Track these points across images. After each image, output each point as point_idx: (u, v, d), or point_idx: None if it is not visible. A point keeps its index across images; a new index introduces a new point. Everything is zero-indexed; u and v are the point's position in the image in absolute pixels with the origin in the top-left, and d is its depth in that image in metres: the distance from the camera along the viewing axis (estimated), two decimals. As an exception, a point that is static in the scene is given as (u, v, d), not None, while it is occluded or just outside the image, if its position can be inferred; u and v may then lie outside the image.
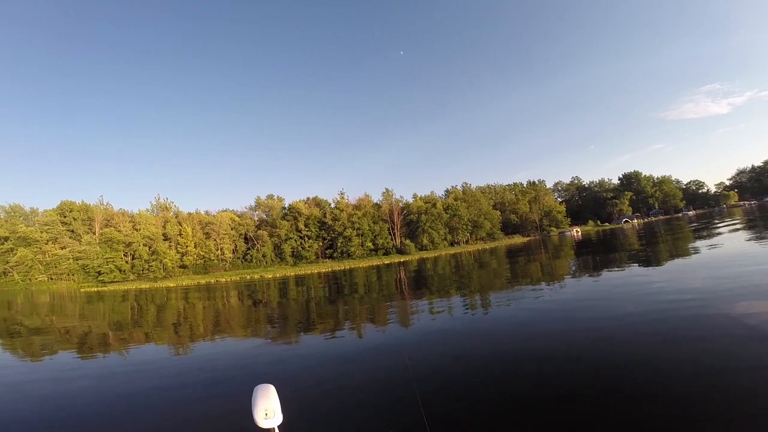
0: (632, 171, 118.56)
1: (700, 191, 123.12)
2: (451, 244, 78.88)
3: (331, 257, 72.14)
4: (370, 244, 72.74)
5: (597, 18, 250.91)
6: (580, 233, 78.52)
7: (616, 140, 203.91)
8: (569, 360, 6.38)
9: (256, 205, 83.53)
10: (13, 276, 62.85)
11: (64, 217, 67.53)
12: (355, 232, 71.60)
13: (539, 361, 6.50)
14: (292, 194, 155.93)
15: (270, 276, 50.42)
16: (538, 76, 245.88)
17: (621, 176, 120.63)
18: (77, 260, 61.46)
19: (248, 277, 52.17)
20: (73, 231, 65.68)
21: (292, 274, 50.17)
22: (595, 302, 10.70)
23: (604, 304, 10.33)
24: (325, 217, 75.30)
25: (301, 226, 73.48)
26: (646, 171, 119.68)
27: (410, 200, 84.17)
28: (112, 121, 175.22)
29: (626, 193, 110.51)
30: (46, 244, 62.87)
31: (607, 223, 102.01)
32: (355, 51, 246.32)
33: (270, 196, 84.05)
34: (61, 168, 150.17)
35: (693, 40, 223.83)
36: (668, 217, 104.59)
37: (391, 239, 75.89)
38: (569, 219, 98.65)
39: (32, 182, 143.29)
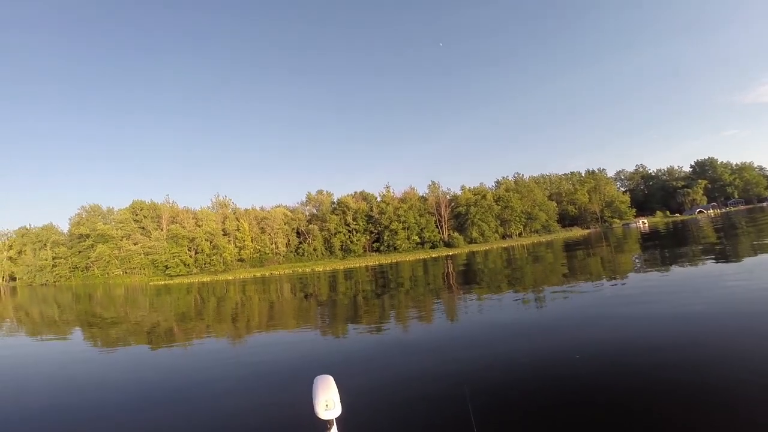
0: (706, 158, 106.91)
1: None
2: (503, 237, 76.26)
3: (377, 251, 72.73)
4: (416, 238, 72.32)
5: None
6: (647, 224, 72.51)
7: (683, 126, 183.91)
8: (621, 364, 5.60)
9: (306, 201, 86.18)
10: (93, 270, 70.01)
11: (136, 215, 73.86)
12: (401, 225, 71.49)
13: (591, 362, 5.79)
14: (341, 189, 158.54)
15: (320, 269, 51.74)
16: (596, 56, 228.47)
17: (693, 163, 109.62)
18: (147, 255, 67.01)
19: (300, 270, 53.92)
20: (143, 228, 71.75)
21: (341, 267, 51.12)
22: (668, 303, 9.52)
23: (680, 305, 9.14)
24: (371, 210, 75.94)
25: (350, 219, 74.67)
26: (720, 158, 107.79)
27: (458, 192, 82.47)
28: (174, 124, 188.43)
29: (700, 181, 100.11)
30: (121, 240, 69.28)
31: (678, 214, 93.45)
32: (399, 43, 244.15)
33: (320, 192, 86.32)
34: (132, 169, 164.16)
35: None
36: (750, 206, 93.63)
37: (438, 232, 74.89)
38: (634, 210, 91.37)
39: (108, 183, 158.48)
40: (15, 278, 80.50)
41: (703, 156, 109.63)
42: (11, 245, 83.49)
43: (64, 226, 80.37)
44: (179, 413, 5.66)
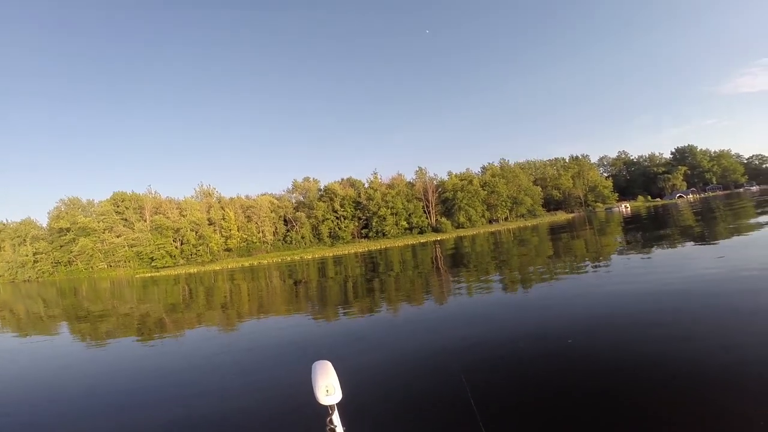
0: (686, 145, 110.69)
1: (764, 165, 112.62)
2: (490, 221, 77.25)
3: (366, 237, 72.93)
4: (404, 223, 72.70)
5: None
6: (629, 209, 74.15)
7: (664, 115, 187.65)
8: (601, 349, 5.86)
9: (293, 188, 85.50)
10: (77, 264, 68.51)
11: (117, 206, 72.23)
12: (389, 211, 71.68)
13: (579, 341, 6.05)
14: (327, 176, 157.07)
15: (309, 257, 51.68)
16: (580, 46, 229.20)
17: (674, 150, 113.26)
18: (132, 247, 65.86)
19: (288, 258, 53.76)
20: (126, 219, 70.27)
21: (330, 254, 51.13)
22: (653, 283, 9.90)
23: (665, 285, 9.51)
24: (359, 197, 75.85)
25: (337, 206, 74.45)
26: (700, 145, 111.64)
27: (445, 178, 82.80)
28: (153, 112, 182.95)
29: (680, 167, 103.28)
30: (103, 233, 67.78)
31: (658, 198, 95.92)
32: (384, 30, 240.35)
33: (306, 179, 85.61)
34: (111, 160, 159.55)
35: (748, 11, 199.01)
36: (728, 192, 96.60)
37: (426, 218, 75.37)
38: (617, 194, 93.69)
39: (87, 175, 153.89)
40: (-6, 275, 78.21)
41: (683, 144, 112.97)
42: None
43: (43, 221, 78.30)
44: (175, 406, 5.69)
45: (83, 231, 67.43)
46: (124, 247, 66.48)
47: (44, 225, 76.94)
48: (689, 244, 16.43)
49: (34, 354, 10.58)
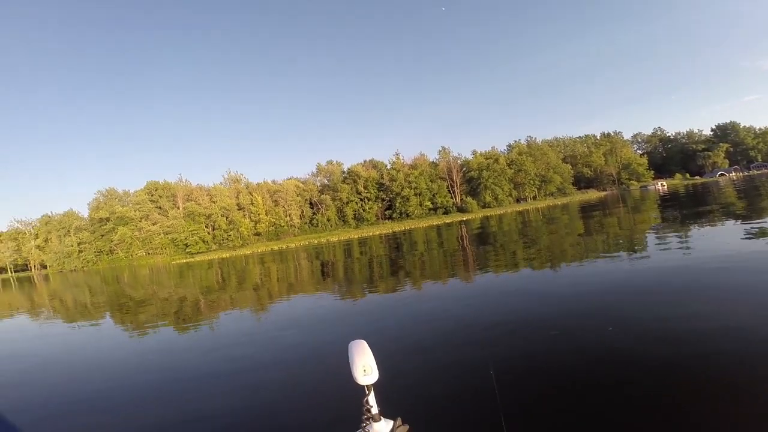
0: (728, 122, 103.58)
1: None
2: (517, 200, 75.59)
3: (390, 218, 73.02)
4: (428, 203, 72.18)
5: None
6: (666, 186, 70.61)
7: (704, 90, 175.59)
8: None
9: (317, 171, 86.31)
10: (118, 253, 72.21)
11: (151, 195, 75.14)
12: (412, 191, 71.25)
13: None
14: (350, 158, 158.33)
15: (335, 239, 52.38)
16: (613, 16, 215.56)
17: (714, 127, 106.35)
18: (167, 234, 68.65)
19: (315, 241, 54.68)
20: (160, 208, 73.15)
21: (356, 236, 51.63)
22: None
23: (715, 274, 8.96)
24: (382, 178, 75.64)
25: (361, 188, 74.65)
26: (743, 123, 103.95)
27: (469, 157, 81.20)
28: (181, 100, 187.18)
29: (721, 144, 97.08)
30: (140, 221, 70.90)
31: (698, 177, 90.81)
32: (403, 6, 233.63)
33: (330, 162, 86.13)
34: (143, 150, 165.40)
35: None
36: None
37: (451, 197, 74.52)
38: (652, 172, 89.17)
39: (120, 166, 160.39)
40: (45, 266, 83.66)
41: (724, 120, 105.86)
42: (37, 233, 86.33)
43: (84, 212, 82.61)
44: (214, 390, 5.89)
45: (121, 220, 70.76)
46: (160, 234, 69.38)
47: (85, 216, 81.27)
48: (730, 222, 15.51)
49: (86, 338, 11.30)
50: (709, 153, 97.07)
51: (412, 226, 54.63)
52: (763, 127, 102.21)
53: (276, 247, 53.72)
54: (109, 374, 7.26)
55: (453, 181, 75.84)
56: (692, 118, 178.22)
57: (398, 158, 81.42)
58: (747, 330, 4.95)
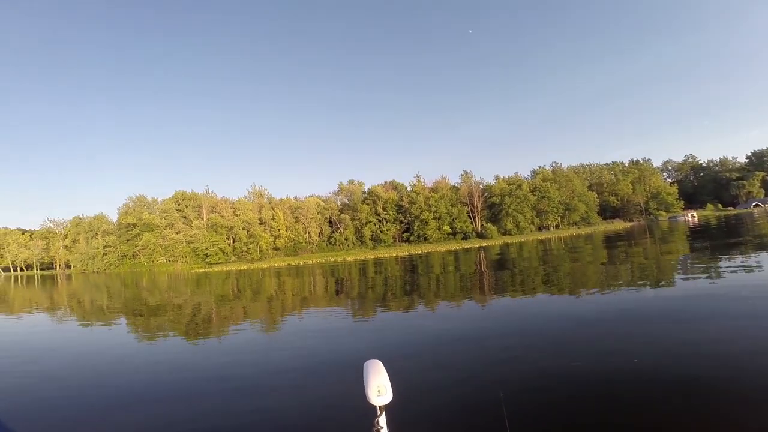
0: (765, 148, 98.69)
1: None
2: (539, 228, 73.96)
3: (407, 241, 72.53)
4: (447, 228, 71.43)
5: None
6: (696, 218, 67.90)
7: (739, 114, 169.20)
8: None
9: (338, 190, 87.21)
10: (140, 258, 74.14)
11: (178, 205, 77.39)
12: (431, 215, 70.78)
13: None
14: (371, 179, 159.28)
15: (351, 259, 52.27)
16: (643, 37, 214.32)
17: (750, 154, 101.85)
18: (189, 243, 70.19)
19: (332, 259, 54.70)
20: (185, 217, 75.12)
21: (372, 257, 51.36)
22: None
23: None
24: (401, 200, 75.67)
25: (380, 209, 74.78)
26: None
27: (492, 182, 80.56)
28: (215, 116, 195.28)
29: (757, 173, 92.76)
30: (164, 229, 72.89)
31: (731, 207, 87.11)
32: (429, 30, 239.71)
33: (351, 181, 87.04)
34: (175, 160, 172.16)
35: None
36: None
37: (471, 223, 73.59)
38: (682, 202, 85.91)
39: (153, 175, 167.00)
40: (70, 266, 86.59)
41: (761, 147, 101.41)
42: (66, 234, 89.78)
43: (113, 216, 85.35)
44: (222, 403, 5.71)
45: (147, 227, 72.95)
46: (182, 243, 71.01)
47: (114, 220, 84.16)
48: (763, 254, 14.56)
49: (93, 340, 11.38)
50: (744, 182, 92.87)
51: (430, 250, 54.03)
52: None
53: (293, 263, 53.98)
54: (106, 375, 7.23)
55: (474, 206, 75.13)
56: (727, 144, 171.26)
57: (419, 181, 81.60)
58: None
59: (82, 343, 10.88)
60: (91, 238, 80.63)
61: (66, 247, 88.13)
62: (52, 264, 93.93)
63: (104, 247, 76.89)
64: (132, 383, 6.83)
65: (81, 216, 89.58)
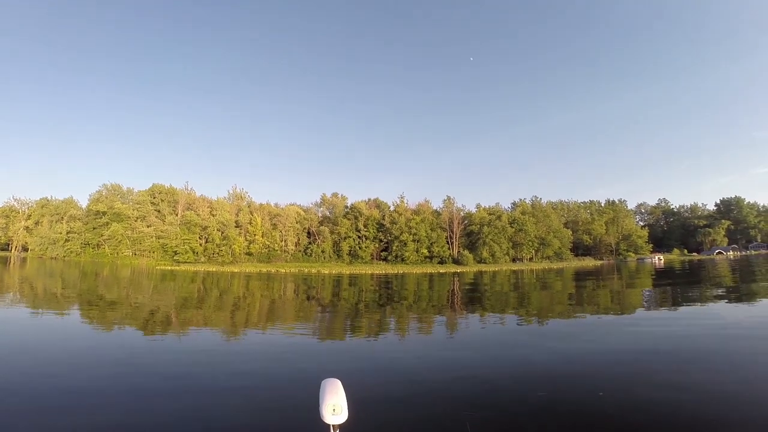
0: (733, 197, 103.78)
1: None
2: (514, 260, 75.04)
3: (385, 260, 72.24)
4: (425, 251, 71.70)
5: (693, 16, 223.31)
6: (662, 261, 70.49)
7: (711, 160, 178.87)
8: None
9: (321, 202, 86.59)
10: (104, 249, 70.92)
11: (154, 198, 74.95)
12: (411, 237, 70.99)
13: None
14: (355, 194, 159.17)
15: (326, 272, 51.47)
16: (624, 85, 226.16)
17: (718, 201, 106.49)
18: (159, 239, 67.74)
19: (306, 270, 53.71)
20: (159, 211, 72.66)
21: (347, 272, 50.75)
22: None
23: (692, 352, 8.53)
24: (383, 219, 75.71)
25: (361, 226, 74.51)
26: (748, 197, 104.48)
27: (473, 210, 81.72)
28: (200, 112, 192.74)
29: (723, 221, 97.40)
30: (135, 221, 70.20)
31: (695, 253, 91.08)
32: (427, 53, 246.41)
33: (334, 194, 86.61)
34: (155, 152, 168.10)
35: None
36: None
37: (449, 248, 74.07)
38: (651, 245, 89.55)
39: (131, 164, 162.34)
40: (27, 249, 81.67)
41: (730, 194, 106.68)
42: (30, 215, 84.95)
43: (85, 202, 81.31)
44: (173, 414, 5.34)
45: (117, 216, 70.06)
46: (151, 237, 68.46)
47: (83, 206, 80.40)
48: (722, 302, 15.14)
49: (40, 330, 10.62)
50: (710, 230, 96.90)
51: (406, 271, 53.87)
52: (766, 205, 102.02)
53: (265, 270, 52.73)
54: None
55: (453, 233, 75.80)
56: (699, 189, 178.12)
57: (402, 201, 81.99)
58: None
59: (25, 333, 10.13)
60: (56, 222, 76.73)
61: (27, 228, 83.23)
62: (8, 245, 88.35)
63: (68, 233, 73.21)
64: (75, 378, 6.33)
65: (49, 198, 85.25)
